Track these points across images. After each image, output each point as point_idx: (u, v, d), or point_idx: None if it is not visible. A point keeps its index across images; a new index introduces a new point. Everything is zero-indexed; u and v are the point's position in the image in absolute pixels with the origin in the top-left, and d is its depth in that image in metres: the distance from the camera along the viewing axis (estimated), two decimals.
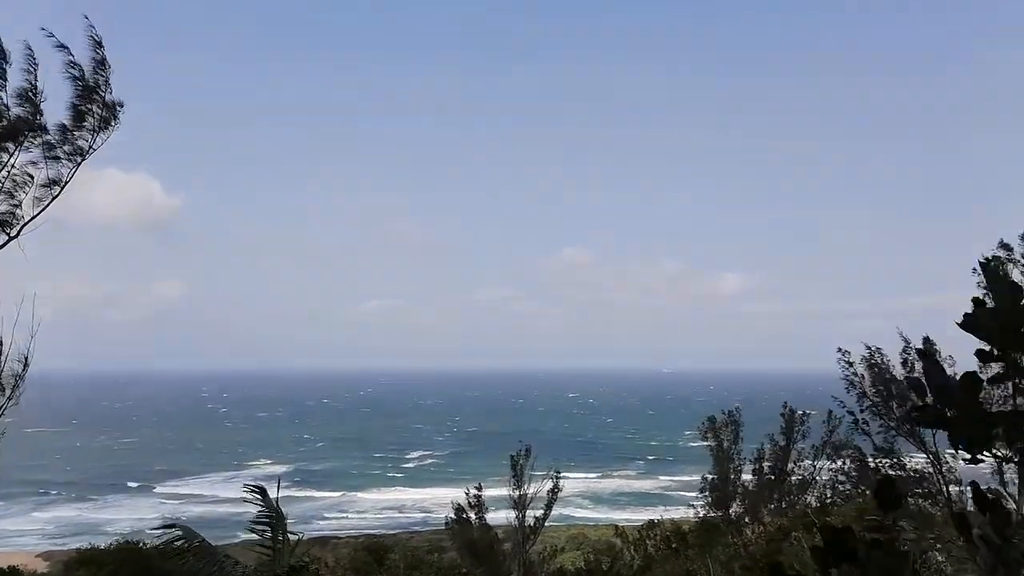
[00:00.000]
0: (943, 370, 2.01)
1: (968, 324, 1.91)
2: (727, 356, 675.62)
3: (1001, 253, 14.37)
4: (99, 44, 10.31)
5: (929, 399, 1.92)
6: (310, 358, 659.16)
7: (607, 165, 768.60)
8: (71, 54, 10.23)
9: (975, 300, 1.93)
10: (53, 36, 10.07)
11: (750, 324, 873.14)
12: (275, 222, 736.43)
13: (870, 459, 17.14)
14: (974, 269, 14.41)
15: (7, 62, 9.82)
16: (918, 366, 17.26)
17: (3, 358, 10.40)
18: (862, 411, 17.19)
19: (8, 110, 9.99)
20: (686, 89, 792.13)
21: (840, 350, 17.58)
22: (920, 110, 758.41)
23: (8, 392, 10.58)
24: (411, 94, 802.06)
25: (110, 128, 10.56)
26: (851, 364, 17.18)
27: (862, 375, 17.16)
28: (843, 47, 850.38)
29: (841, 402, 17.87)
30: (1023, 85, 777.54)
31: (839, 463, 19.03)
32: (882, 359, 16.99)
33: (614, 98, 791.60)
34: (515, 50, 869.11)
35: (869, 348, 17.42)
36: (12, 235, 10.25)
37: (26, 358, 10.55)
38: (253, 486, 11.26)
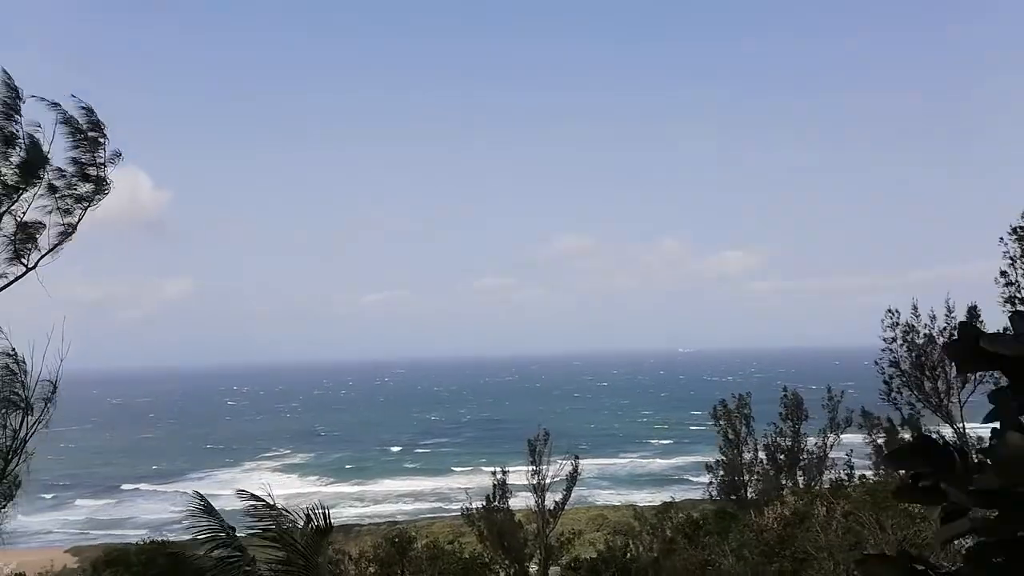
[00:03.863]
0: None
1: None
2: (738, 334, 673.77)
3: None
4: (91, 111, 11.09)
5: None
6: (317, 351, 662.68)
7: (599, 147, 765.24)
8: (74, 120, 10.94)
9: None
10: (57, 104, 10.84)
11: (757, 303, 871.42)
12: (269, 214, 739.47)
13: (901, 431, 17.08)
14: (1001, 238, 14.39)
15: (21, 99, 10.50)
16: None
17: (33, 382, 10.92)
18: (892, 379, 17.12)
19: (25, 142, 10.58)
20: (679, 66, 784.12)
21: (889, 310, 17.40)
22: (923, 81, 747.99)
23: (37, 415, 11.00)
24: (406, 82, 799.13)
25: (108, 184, 11.37)
26: (896, 325, 16.98)
27: (901, 341, 17.04)
28: (835, 11, 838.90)
29: (881, 369, 17.60)
30: None
31: (870, 435, 18.92)
32: (930, 324, 16.83)
33: (606, 78, 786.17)
34: (501, 31, 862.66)
35: (915, 311, 17.24)
36: (30, 267, 11.14)
37: (54, 384, 10.99)
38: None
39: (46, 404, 11.59)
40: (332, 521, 11.18)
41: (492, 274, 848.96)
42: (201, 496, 10.46)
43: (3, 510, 12.23)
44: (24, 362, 11.30)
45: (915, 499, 1.49)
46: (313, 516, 10.04)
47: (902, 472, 1.53)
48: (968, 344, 1.42)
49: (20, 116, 10.60)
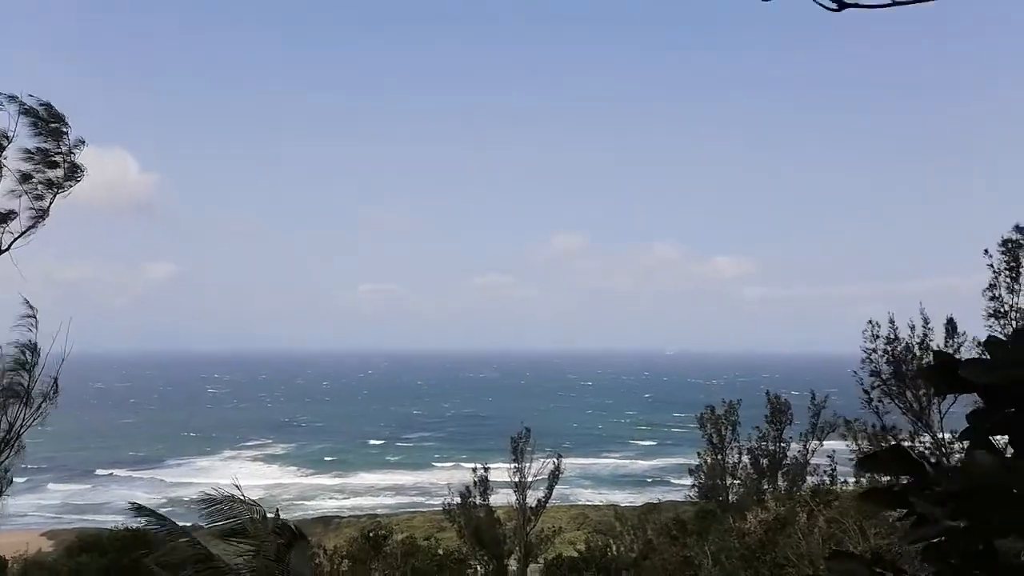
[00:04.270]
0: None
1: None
2: (728, 339, 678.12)
3: (1017, 236, 14.31)
4: (50, 105, 11.47)
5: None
6: (305, 340, 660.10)
7: (596, 149, 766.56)
8: (35, 111, 11.33)
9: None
10: (15, 97, 11.19)
11: (749, 308, 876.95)
12: (258, 202, 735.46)
13: (891, 439, 17.12)
14: (986, 251, 14.38)
15: None
16: (934, 346, 17.17)
17: (38, 374, 11.07)
18: (873, 388, 17.17)
19: None
20: (679, 70, 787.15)
21: (870, 321, 17.43)
22: (923, 91, 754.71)
23: (35, 408, 11.06)
24: (406, 76, 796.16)
25: (81, 171, 11.74)
26: (877, 337, 17.01)
27: (882, 352, 17.07)
28: (833, 25, 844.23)
29: (860, 379, 17.68)
30: None
31: (853, 443, 18.89)
32: (910, 335, 16.84)
33: (606, 81, 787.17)
34: (503, 32, 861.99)
35: (891, 324, 17.27)
36: (3, 249, 11.38)
37: (55, 381, 11.09)
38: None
39: (45, 399, 11.64)
40: (307, 519, 11.05)
41: (491, 271, 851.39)
42: (140, 507, 10.32)
43: None
44: (39, 354, 11.47)
45: (880, 503, 1.57)
46: (282, 528, 9.87)
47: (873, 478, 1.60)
48: (944, 371, 1.52)
49: None
